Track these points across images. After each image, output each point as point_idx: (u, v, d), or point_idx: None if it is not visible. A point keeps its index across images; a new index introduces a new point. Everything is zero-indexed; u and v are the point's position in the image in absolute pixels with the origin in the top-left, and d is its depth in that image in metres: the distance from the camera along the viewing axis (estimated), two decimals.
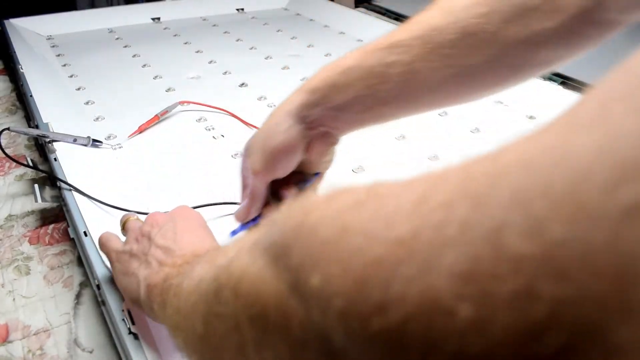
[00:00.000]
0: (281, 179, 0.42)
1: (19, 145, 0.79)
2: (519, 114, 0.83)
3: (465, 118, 0.80)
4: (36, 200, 0.59)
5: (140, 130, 0.73)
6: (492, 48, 0.34)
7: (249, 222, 0.44)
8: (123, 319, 0.39)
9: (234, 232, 0.44)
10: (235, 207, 0.58)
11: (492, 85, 0.38)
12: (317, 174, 0.44)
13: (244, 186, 0.44)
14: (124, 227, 0.44)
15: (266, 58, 1.04)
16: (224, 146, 0.71)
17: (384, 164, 0.67)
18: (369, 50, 0.37)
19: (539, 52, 0.35)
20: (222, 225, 0.55)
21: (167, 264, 0.34)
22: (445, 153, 0.69)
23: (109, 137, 0.72)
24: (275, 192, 0.44)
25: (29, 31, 1.10)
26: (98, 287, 0.44)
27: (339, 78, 0.37)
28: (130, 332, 0.38)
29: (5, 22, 1.09)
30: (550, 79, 0.91)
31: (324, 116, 0.39)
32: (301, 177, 0.43)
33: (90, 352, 0.47)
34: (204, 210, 0.56)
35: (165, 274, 0.33)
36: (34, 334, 0.49)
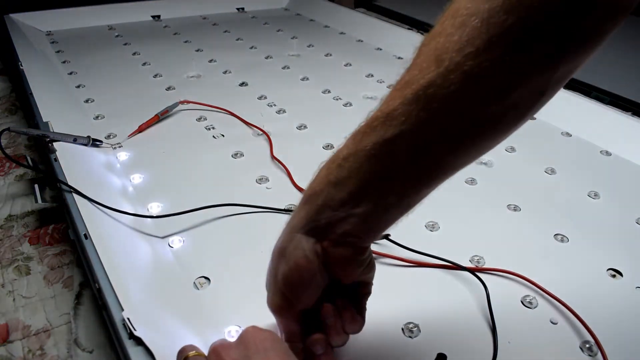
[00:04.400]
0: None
1: (19, 145, 0.79)
2: None
3: None
4: (36, 201, 0.59)
5: (140, 129, 0.73)
6: None
7: None
8: (124, 324, 0.39)
9: None
10: (235, 209, 0.58)
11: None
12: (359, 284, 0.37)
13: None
14: None
15: (266, 57, 1.04)
16: (224, 146, 0.71)
17: None
18: (361, 131, 0.31)
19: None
20: (223, 226, 0.56)
21: None
22: None
23: (108, 136, 0.72)
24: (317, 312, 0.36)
25: (29, 26, 1.10)
26: (99, 290, 0.44)
27: (337, 172, 0.31)
28: (131, 337, 0.38)
29: (5, 17, 1.09)
30: None
31: (334, 221, 0.32)
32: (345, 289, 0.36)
33: (90, 352, 0.48)
34: (204, 212, 0.56)
35: None
36: (34, 334, 0.49)
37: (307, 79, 0.94)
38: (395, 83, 0.30)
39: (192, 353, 0.34)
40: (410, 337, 0.43)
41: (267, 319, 0.44)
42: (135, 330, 0.38)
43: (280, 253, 0.34)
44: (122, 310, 0.40)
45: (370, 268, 0.36)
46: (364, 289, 0.37)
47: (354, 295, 0.37)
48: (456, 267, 0.50)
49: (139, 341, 0.38)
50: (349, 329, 0.37)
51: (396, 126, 0.29)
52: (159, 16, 1.25)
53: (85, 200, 0.54)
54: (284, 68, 0.99)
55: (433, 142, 0.29)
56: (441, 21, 0.29)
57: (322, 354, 0.36)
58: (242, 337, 0.32)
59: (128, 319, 0.39)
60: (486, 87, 0.27)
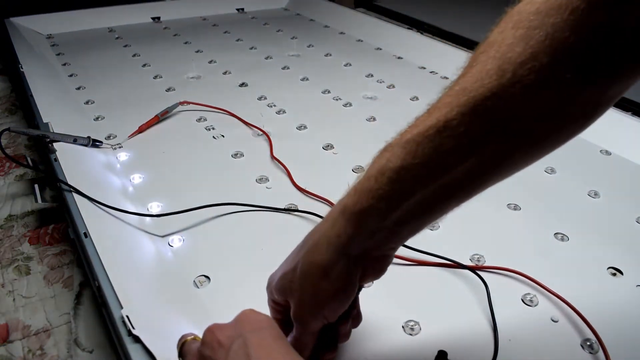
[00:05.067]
0: None
1: (19, 146, 0.79)
2: None
3: None
4: (36, 201, 0.59)
5: (140, 130, 0.73)
6: None
7: None
8: (123, 322, 0.39)
9: None
10: (235, 208, 0.58)
11: None
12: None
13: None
14: (181, 351, 0.35)
15: (266, 58, 1.04)
16: (224, 146, 0.71)
17: None
18: (415, 140, 0.29)
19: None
20: (222, 225, 0.56)
21: None
22: None
23: (108, 137, 0.72)
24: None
25: (29, 30, 1.11)
26: (98, 289, 0.44)
27: (388, 187, 0.30)
28: (130, 335, 0.38)
29: (6, 20, 1.09)
30: None
31: (383, 239, 0.32)
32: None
33: (90, 352, 0.48)
34: (204, 211, 0.56)
35: None
36: (34, 334, 0.49)
37: (307, 79, 0.94)
38: (448, 89, 0.30)
39: (189, 338, 0.35)
40: (410, 334, 0.43)
41: None
42: (134, 328, 0.38)
43: (325, 272, 0.32)
44: (122, 308, 0.40)
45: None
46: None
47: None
48: (457, 265, 0.50)
49: (137, 339, 0.38)
50: (354, 326, 0.38)
51: (455, 138, 0.28)
52: (159, 18, 1.25)
53: (85, 199, 0.54)
54: (284, 68, 0.99)
55: (487, 155, 0.29)
56: (501, 29, 0.29)
57: None
58: (237, 318, 0.32)
59: (127, 316, 0.39)
60: (545, 102, 0.27)
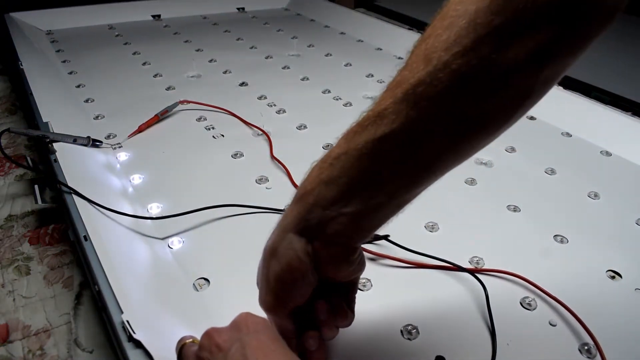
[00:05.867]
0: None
1: (19, 146, 0.79)
2: None
3: None
4: (36, 201, 0.59)
5: (140, 129, 0.73)
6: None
7: None
8: (123, 327, 0.39)
9: None
10: (235, 209, 0.58)
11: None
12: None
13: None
14: (180, 354, 0.35)
15: (267, 57, 1.04)
16: (224, 146, 0.71)
17: None
18: (353, 130, 0.31)
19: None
20: (222, 226, 0.56)
21: None
22: None
23: (108, 136, 0.72)
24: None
25: (29, 25, 1.10)
26: (98, 293, 0.44)
27: (328, 171, 0.31)
28: (130, 340, 0.38)
29: (5, 16, 1.09)
30: None
31: (325, 220, 0.32)
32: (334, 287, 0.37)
33: (90, 352, 0.48)
34: (204, 213, 0.56)
35: None
36: (34, 334, 0.49)
37: (307, 79, 0.94)
38: (388, 83, 0.31)
39: (188, 341, 0.35)
40: (409, 339, 0.43)
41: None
42: (134, 333, 0.38)
43: (272, 252, 0.34)
44: (122, 312, 0.40)
45: (361, 267, 0.36)
46: (352, 284, 0.38)
47: (344, 290, 0.37)
48: (455, 268, 0.50)
49: (138, 344, 0.38)
50: (341, 324, 0.37)
51: (386, 125, 0.29)
52: (159, 16, 1.25)
53: (85, 202, 0.54)
54: (284, 68, 0.99)
55: (422, 141, 0.29)
56: (432, 24, 0.30)
57: (315, 350, 0.36)
58: (234, 321, 0.33)
59: (127, 321, 0.39)
60: (473, 86, 0.28)
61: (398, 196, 0.31)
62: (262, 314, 0.35)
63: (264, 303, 0.35)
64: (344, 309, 0.37)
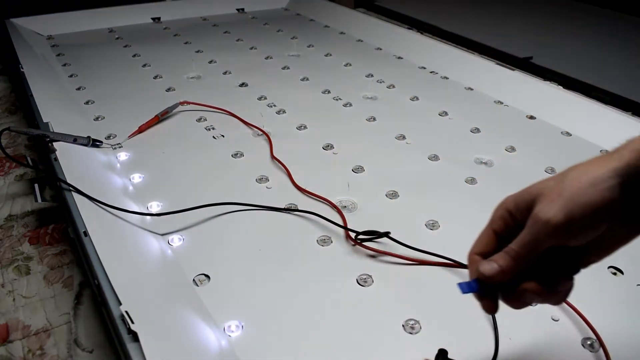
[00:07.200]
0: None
1: (19, 146, 0.79)
2: (519, 113, 0.83)
3: (466, 118, 0.80)
4: (36, 200, 0.59)
5: (140, 130, 0.73)
6: None
7: (475, 285, 0.36)
8: (122, 319, 0.39)
9: (462, 286, 0.36)
10: (234, 207, 0.58)
11: None
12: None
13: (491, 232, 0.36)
14: None
15: (266, 58, 1.04)
16: (224, 146, 0.71)
17: (384, 164, 0.67)
18: None
19: None
20: (222, 224, 0.56)
21: None
22: (445, 153, 0.69)
23: (109, 136, 0.72)
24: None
25: (30, 31, 1.11)
26: (98, 287, 0.44)
27: None
28: (129, 332, 0.38)
29: (6, 21, 1.09)
30: (550, 79, 0.91)
31: None
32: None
33: (90, 352, 0.48)
34: (204, 211, 0.56)
35: None
36: (34, 334, 0.49)
37: (307, 79, 0.94)
38: None
39: None
40: (411, 333, 0.43)
41: (265, 315, 0.44)
42: (133, 322, 0.38)
43: (594, 181, 0.32)
44: (120, 304, 0.40)
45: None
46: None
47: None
48: (458, 265, 0.50)
49: (137, 337, 0.38)
50: (561, 299, 0.36)
51: None
52: (159, 18, 1.25)
53: (85, 199, 0.54)
54: (284, 68, 0.99)
55: None
56: None
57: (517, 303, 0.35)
58: None
59: (126, 312, 0.39)
60: None
61: None
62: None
63: (548, 216, 0.32)
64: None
